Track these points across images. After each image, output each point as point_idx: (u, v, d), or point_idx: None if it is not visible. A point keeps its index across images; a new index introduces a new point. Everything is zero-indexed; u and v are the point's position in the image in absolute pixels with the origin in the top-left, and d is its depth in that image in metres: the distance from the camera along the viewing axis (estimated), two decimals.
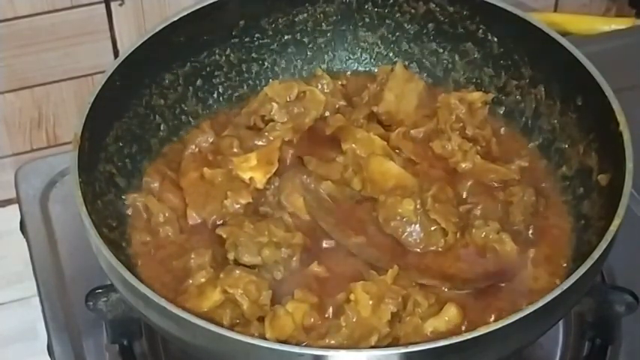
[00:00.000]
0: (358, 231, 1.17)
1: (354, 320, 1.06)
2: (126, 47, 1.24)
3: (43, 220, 1.35)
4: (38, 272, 1.30)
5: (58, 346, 1.23)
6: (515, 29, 1.26)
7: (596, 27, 1.62)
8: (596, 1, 1.75)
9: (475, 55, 1.31)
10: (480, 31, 1.29)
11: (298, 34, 1.34)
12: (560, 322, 1.21)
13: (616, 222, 1.05)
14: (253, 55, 1.33)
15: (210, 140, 1.25)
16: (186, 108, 1.30)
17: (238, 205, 1.19)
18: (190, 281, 1.11)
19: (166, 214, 1.19)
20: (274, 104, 1.27)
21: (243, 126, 1.28)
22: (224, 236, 1.15)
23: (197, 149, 1.25)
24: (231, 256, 1.13)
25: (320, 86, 1.31)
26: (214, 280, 1.10)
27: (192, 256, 1.14)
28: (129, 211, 1.19)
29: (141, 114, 1.25)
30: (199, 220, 1.20)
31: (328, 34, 1.35)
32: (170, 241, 1.18)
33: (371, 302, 1.07)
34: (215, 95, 1.32)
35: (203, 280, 1.11)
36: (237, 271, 1.09)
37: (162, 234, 1.18)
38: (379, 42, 1.35)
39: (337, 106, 1.30)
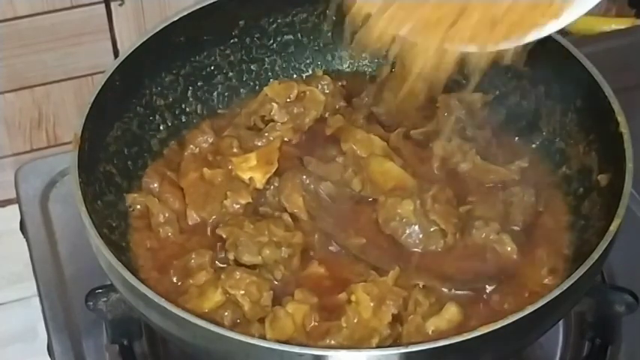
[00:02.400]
0: (358, 231, 1.17)
1: (355, 321, 1.06)
2: (126, 47, 1.24)
3: (43, 221, 1.35)
4: (38, 272, 1.30)
5: (58, 346, 1.23)
6: None
7: (596, 27, 1.62)
8: None
9: None
10: None
11: (298, 34, 1.34)
12: (560, 322, 1.20)
13: (616, 222, 1.05)
14: (253, 55, 1.33)
15: (210, 140, 1.25)
16: (186, 108, 1.30)
17: (238, 205, 1.19)
18: (191, 281, 1.11)
19: (166, 215, 1.19)
20: (274, 104, 1.27)
21: (243, 126, 1.28)
22: (224, 236, 1.15)
23: (197, 149, 1.25)
24: (231, 255, 1.13)
25: (320, 86, 1.31)
26: (215, 280, 1.10)
27: (193, 256, 1.14)
28: (129, 212, 1.19)
29: (141, 114, 1.25)
30: (199, 220, 1.19)
31: (328, 34, 1.35)
32: (170, 241, 1.18)
33: (372, 304, 1.06)
34: (215, 95, 1.32)
35: (204, 279, 1.11)
36: (238, 273, 1.09)
37: (163, 234, 1.18)
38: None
39: (337, 106, 1.30)
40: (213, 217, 1.19)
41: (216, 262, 1.14)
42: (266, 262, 1.12)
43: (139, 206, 1.19)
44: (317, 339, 1.05)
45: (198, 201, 1.20)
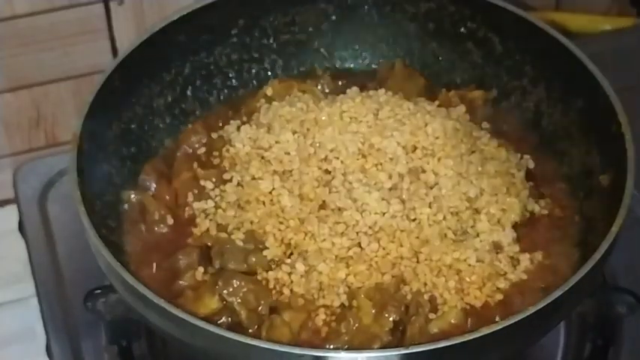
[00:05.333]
0: None
1: (354, 327, 1.05)
2: (125, 47, 1.23)
3: (42, 221, 1.35)
4: (37, 273, 1.30)
5: (56, 347, 1.23)
6: (517, 28, 1.26)
7: (598, 26, 1.62)
8: (597, 0, 1.75)
9: (476, 55, 1.30)
10: (481, 30, 1.29)
11: (298, 34, 1.34)
12: (562, 323, 1.20)
13: (618, 223, 1.05)
14: (253, 55, 1.33)
15: (204, 141, 1.24)
16: (185, 108, 1.29)
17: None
18: (181, 282, 1.11)
19: (162, 212, 1.18)
20: (274, 104, 1.27)
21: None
22: (209, 244, 1.14)
23: (190, 150, 1.24)
24: (217, 264, 1.12)
25: (320, 86, 1.30)
26: (212, 286, 1.09)
27: (180, 256, 1.13)
28: (126, 210, 1.19)
29: (140, 114, 1.25)
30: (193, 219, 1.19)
31: (328, 34, 1.34)
32: (167, 240, 1.17)
33: (374, 310, 1.06)
34: (214, 95, 1.32)
35: (194, 281, 1.10)
36: (236, 280, 1.08)
37: (158, 232, 1.18)
38: (379, 41, 1.35)
39: None
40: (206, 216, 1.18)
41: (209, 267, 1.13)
42: (252, 270, 1.11)
43: (133, 198, 1.18)
44: (315, 345, 1.05)
45: (191, 200, 1.19)
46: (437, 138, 1.17)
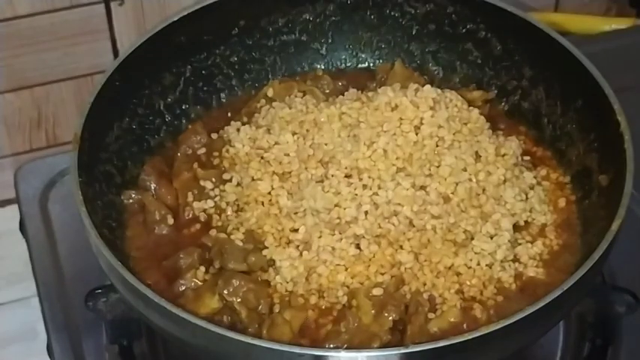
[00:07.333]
0: None
1: (354, 326, 1.06)
2: (126, 47, 1.24)
3: (43, 221, 1.35)
4: (38, 272, 1.30)
5: (57, 346, 1.23)
6: (516, 29, 1.26)
7: (597, 27, 1.62)
8: (596, 0, 1.75)
9: (475, 56, 1.31)
10: (481, 31, 1.29)
11: (298, 34, 1.34)
12: (561, 323, 1.20)
13: (616, 222, 1.05)
14: (253, 55, 1.33)
15: (203, 141, 1.25)
16: (186, 108, 1.29)
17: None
18: (181, 282, 1.11)
19: (162, 212, 1.18)
20: (274, 105, 1.27)
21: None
22: (209, 244, 1.14)
23: (190, 150, 1.25)
24: (216, 264, 1.12)
25: (320, 86, 1.31)
26: (212, 286, 1.09)
27: (181, 255, 1.13)
28: (126, 210, 1.19)
29: (141, 114, 1.25)
30: (193, 219, 1.19)
31: (329, 34, 1.34)
32: (167, 239, 1.17)
33: (373, 310, 1.06)
34: (215, 95, 1.32)
35: (195, 280, 1.11)
36: (236, 280, 1.09)
37: (159, 232, 1.18)
38: (379, 42, 1.35)
39: None
40: (206, 216, 1.18)
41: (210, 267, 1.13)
42: (252, 270, 1.11)
43: (133, 198, 1.18)
44: (315, 345, 1.05)
45: (191, 200, 1.19)
46: (439, 138, 1.18)
